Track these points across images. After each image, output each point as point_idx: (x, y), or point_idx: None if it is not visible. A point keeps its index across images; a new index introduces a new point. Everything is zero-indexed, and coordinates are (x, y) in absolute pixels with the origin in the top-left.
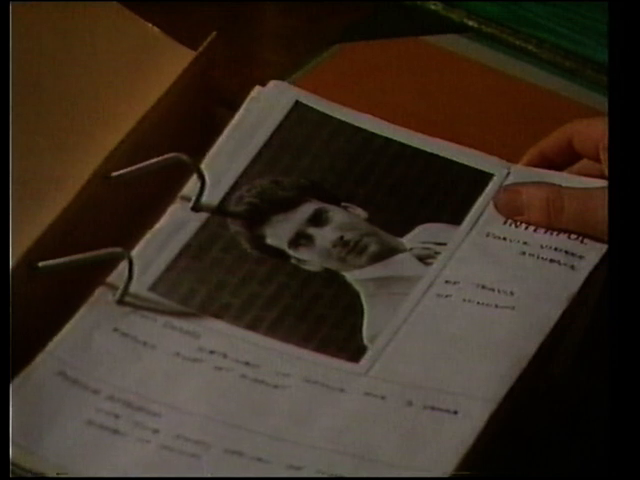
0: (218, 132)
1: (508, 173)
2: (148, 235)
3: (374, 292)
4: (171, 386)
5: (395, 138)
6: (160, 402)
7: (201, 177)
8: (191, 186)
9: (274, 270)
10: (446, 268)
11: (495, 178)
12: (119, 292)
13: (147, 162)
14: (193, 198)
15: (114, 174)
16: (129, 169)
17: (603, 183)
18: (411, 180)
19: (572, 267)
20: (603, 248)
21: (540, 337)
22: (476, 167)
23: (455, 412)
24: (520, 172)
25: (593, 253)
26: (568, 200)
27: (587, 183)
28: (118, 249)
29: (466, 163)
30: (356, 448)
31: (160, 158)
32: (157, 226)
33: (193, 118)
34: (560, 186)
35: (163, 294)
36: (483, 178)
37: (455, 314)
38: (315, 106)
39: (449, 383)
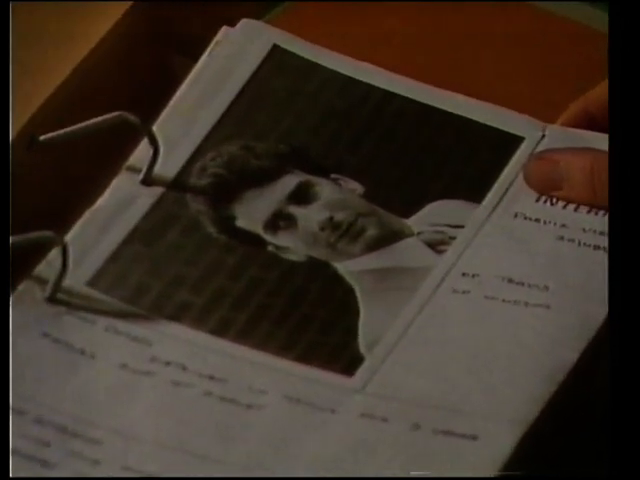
0: (175, 86)
1: (543, 136)
2: (86, 215)
3: (372, 287)
4: (116, 406)
5: (398, 91)
6: (101, 426)
7: (153, 142)
8: (140, 154)
9: (246, 260)
10: (463, 257)
11: (526, 142)
12: (49, 287)
13: (83, 123)
14: (143, 169)
15: (42, 138)
16: (60, 132)
17: None
18: (418, 145)
19: None
20: None
21: (581, 343)
22: (502, 128)
23: (474, 437)
24: (558, 134)
25: None
26: None
27: None
28: (48, 232)
29: (489, 123)
30: None
31: (100, 118)
32: (97, 204)
33: (143, 69)
34: (605, 152)
35: (105, 290)
36: (511, 142)
37: (474, 315)
38: (298, 51)
39: (466, 402)
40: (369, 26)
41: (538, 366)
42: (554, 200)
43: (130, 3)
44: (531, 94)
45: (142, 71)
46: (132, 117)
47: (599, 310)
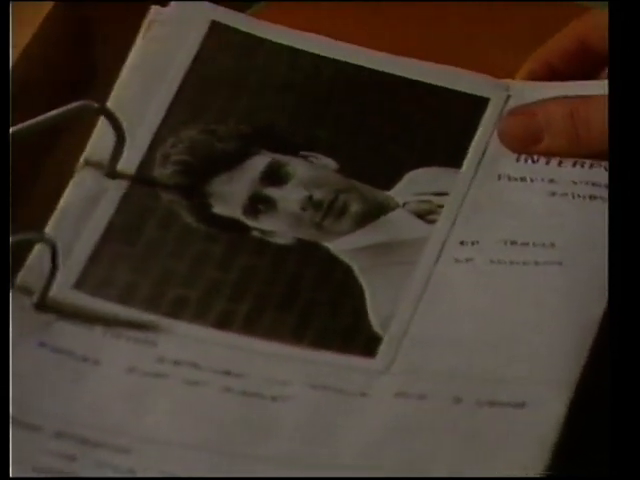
0: (112, 76)
1: (508, 96)
2: (55, 215)
3: (370, 264)
4: (133, 412)
5: (357, 62)
6: (125, 434)
7: (119, 131)
8: (97, 145)
9: (232, 248)
10: (456, 225)
11: (492, 102)
12: (37, 294)
13: (49, 113)
14: (106, 161)
15: (12, 130)
16: (29, 122)
17: None
18: (385, 115)
19: None
20: None
21: (602, 296)
22: (466, 91)
23: (521, 405)
24: (524, 90)
25: None
26: (598, 114)
27: None
28: (34, 233)
29: (452, 87)
30: (402, 464)
31: (65, 107)
32: (63, 203)
33: (70, 69)
34: (586, 97)
35: (93, 292)
36: (477, 105)
37: (484, 281)
38: (241, 26)
39: (505, 370)
40: (345, 23)
41: (567, 325)
42: (535, 157)
43: (50, 4)
44: (491, 59)
45: (70, 71)
46: (95, 104)
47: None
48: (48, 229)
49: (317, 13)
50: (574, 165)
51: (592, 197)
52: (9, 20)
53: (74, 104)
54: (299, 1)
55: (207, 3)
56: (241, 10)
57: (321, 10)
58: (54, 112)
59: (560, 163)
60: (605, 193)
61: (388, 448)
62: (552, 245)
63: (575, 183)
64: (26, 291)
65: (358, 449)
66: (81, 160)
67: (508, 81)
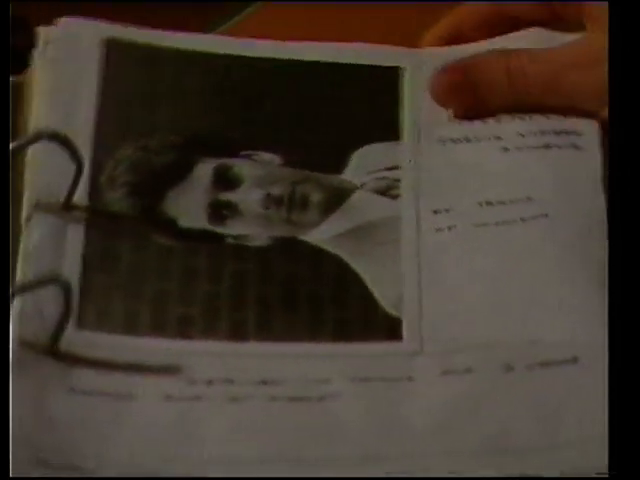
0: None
1: (422, 62)
2: (24, 258)
3: (356, 250)
4: (189, 439)
5: (271, 56)
6: (184, 460)
7: (77, 159)
8: (46, 178)
9: (213, 258)
10: (421, 195)
11: (409, 71)
12: (47, 339)
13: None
14: (57, 194)
15: None
16: None
17: (573, 37)
18: (313, 101)
19: (575, 147)
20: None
21: (601, 236)
22: (382, 64)
23: (574, 360)
24: (437, 54)
25: (589, 127)
26: (533, 65)
27: (545, 39)
28: (46, 271)
29: (369, 63)
30: (475, 442)
31: (23, 138)
32: (28, 245)
33: None
34: (519, 49)
35: (98, 328)
36: (395, 76)
37: (477, 245)
38: (138, 39)
39: (539, 330)
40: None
41: (581, 272)
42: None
43: None
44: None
45: None
46: (60, 132)
47: (596, 200)
48: (20, 275)
49: (312, 12)
50: (513, 119)
51: (547, 146)
52: (9, 20)
53: (29, 134)
54: (295, 1)
55: (98, 21)
56: (238, 10)
57: (317, 9)
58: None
59: (498, 119)
60: (557, 140)
61: (457, 428)
62: (529, 199)
63: (522, 135)
64: (31, 336)
65: (427, 435)
66: (29, 196)
67: (418, 50)
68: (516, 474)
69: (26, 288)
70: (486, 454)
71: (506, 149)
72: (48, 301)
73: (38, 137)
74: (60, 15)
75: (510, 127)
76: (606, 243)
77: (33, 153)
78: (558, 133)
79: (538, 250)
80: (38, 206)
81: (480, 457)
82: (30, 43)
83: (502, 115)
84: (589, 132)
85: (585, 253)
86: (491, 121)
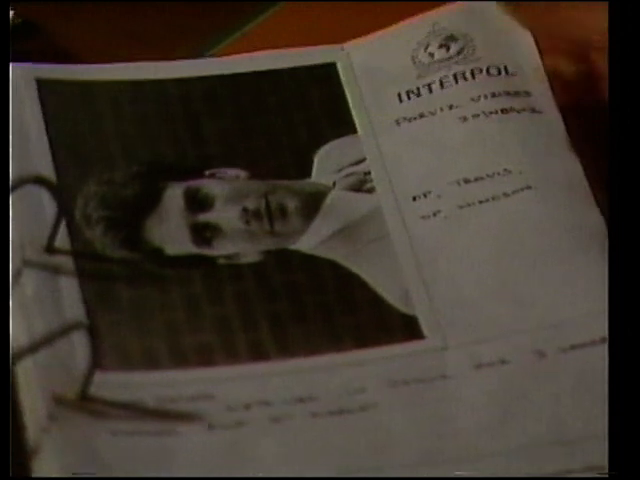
0: None
1: (348, 54)
2: (20, 310)
3: (348, 251)
4: (243, 463)
5: (204, 74)
6: None
7: (58, 200)
8: (25, 224)
9: (211, 281)
10: (396, 185)
11: (340, 64)
12: (77, 388)
13: None
14: (41, 238)
15: None
16: None
17: None
18: (258, 112)
19: (533, 110)
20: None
21: (590, 201)
22: (315, 63)
23: (604, 339)
24: (360, 44)
25: (537, 86)
26: None
27: None
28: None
29: (301, 64)
30: (532, 435)
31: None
32: (20, 300)
33: None
34: None
35: (119, 368)
36: (330, 71)
37: (468, 228)
38: (65, 77)
39: (558, 309)
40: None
41: (578, 242)
42: (415, 90)
43: None
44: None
45: None
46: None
47: (568, 165)
48: (24, 331)
49: (331, 13)
50: (457, 82)
51: (504, 110)
52: (9, 20)
53: (14, 178)
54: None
55: (27, 63)
56: (260, 12)
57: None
58: None
59: (442, 85)
60: (512, 102)
61: (508, 423)
62: (507, 172)
63: (475, 100)
64: (63, 391)
65: (479, 433)
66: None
67: (341, 45)
68: (580, 464)
69: (49, 340)
70: (547, 446)
71: (464, 118)
72: (72, 350)
73: (21, 182)
74: (72, 20)
75: (458, 92)
76: (594, 207)
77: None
78: (510, 94)
79: (530, 224)
80: (27, 262)
81: (541, 450)
82: (41, 49)
83: (443, 78)
84: (539, 92)
85: (576, 222)
86: (436, 90)
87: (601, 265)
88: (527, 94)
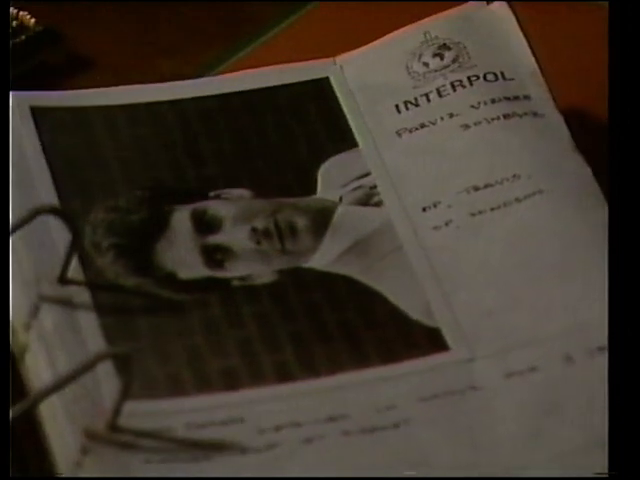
0: None
1: (341, 67)
2: (40, 345)
3: (363, 266)
4: None
5: (198, 95)
6: None
7: (74, 231)
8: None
9: (228, 304)
10: (403, 197)
11: (333, 78)
12: (108, 416)
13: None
14: (55, 267)
15: None
16: None
17: None
18: (256, 130)
19: (535, 114)
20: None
21: (599, 198)
22: (307, 79)
23: None
24: (352, 57)
25: (536, 89)
26: None
27: None
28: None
29: (293, 81)
30: (573, 441)
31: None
32: (39, 335)
33: None
34: None
35: (145, 396)
36: (323, 87)
37: (482, 236)
38: (60, 104)
39: (580, 313)
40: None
41: (593, 244)
42: (414, 100)
43: None
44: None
45: None
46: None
47: (576, 167)
48: (47, 366)
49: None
50: (455, 90)
51: (506, 116)
52: (9, 20)
53: (27, 212)
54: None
55: (20, 92)
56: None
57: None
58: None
59: (440, 94)
60: (513, 107)
61: (546, 432)
62: (516, 177)
63: (475, 107)
64: (93, 424)
65: (517, 445)
66: (26, 280)
67: (333, 58)
68: None
69: (76, 375)
70: (585, 453)
71: (466, 126)
72: (97, 382)
73: (37, 212)
74: (93, 27)
75: (457, 100)
76: (606, 207)
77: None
78: (509, 99)
79: (545, 228)
80: (43, 297)
81: (579, 458)
82: (62, 57)
83: (440, 87)
84: (538, 95)
85: (590, 222)
86: (434, 99)
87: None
88: (527, 98)
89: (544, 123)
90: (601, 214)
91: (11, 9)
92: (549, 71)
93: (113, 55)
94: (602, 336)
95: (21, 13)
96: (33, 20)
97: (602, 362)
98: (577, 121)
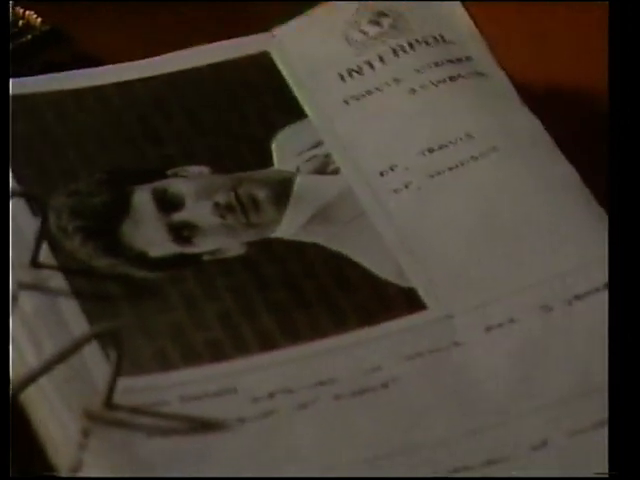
0: None
1: (280, 40)
2: (24, 328)
3: (330, 234)
4: (280, 452)
5: (136, 76)
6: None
7: (44, 214)
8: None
9: (202, 278)
10: (359, 164)
11: (273, 53)
12: (103, 395)
13: None
14: (25, 254)
15: None
16: None
17: None
18: (208, 106)
19: (479, 74)
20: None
21: (551, 153)
22: (247, 54)
23: (605, 285)
24: (293, 30)
25: (477, 50)
26: None
27: None
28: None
29: (235, 56)
30: (558, 389)
31: None
32: (21, 320)
33: None
34: None
35: (135, 372)
36: (265, 61)
37: (443, 195)
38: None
39: (553, 262)
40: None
41: (560, 191)
42: (357, 67)
43: None
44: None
45: None
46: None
47: (527, 123)
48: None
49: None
50: (397, 55)
51: (452, 78)
52: (9, 20)
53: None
54: None
55: None
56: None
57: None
58: None
59: (382, 60)
60: (457, 69)
61: (533, 380)
62: (469, 136)
63: (419, 71)
64: (88, 403)
65: (505, 396)
66: None
67: (270, 33)
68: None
69: (63, 357)
70: (578, 398)
71: (413, 90)
72: (85, 363)
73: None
74: (97, 25)
75: (400, 65)
76: (561, 158)
77: None
78: (452, 61)
79: (505, 184)
80: (20, 283)
81: (573, 404)
82: (68, 57)
83: (381, 53)
84: (479, 56)
85: (548, 174)
86: (377, 67)
87: (585, 210)
88: (469, 59)
89: (489, 82)
90: (557, 165)
91: (17, 8)
92: (549, 71)
93: (119, 54)
94: (577, 284)
95: (27, 12)
96: (39, 19)
97: (581, 310)
98: (578, 121)
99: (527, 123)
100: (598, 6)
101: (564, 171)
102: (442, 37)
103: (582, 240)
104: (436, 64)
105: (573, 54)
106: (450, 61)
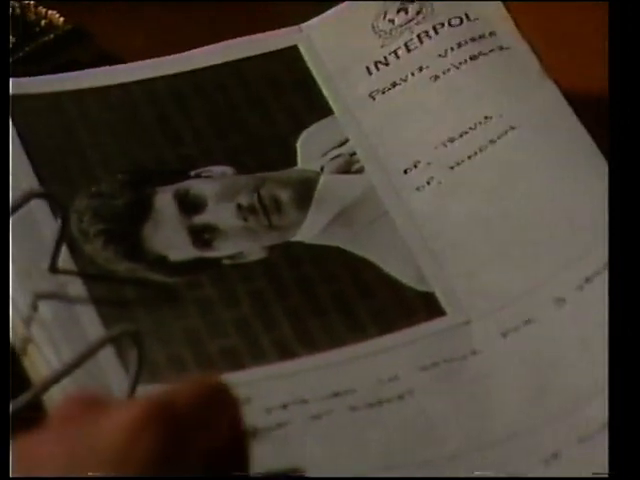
0: None
1: (308, 35)
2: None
3: (351, 235)
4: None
5: (159, 74)
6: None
7: (63, 215)
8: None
9: (221, 284)
10: (384, 161)
11: (302, 46)
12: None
13: None
14: (43, 259)
15: None
16: None
17: None
18: (231, 104)
19: (501, 47)
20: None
21: (571, 125)
22: (275, 49)
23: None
24: (321, 24)
25: (501, 23)
26: None
27: None
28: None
29: (261, 52)
30: (585, 386)
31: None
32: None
33: None
34: None
35: (149, 379)
36: (293, 54)
37: (465, 188)
38: (34, 90)
39: (564, 247)
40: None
41: (578, 168)
42: (383, 59)
43: None
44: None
45: None
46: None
47: (545, 94)
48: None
49: None
50: (421, 42)
51: (473, 57)
52: (9, 20)
53: (19, 196)
54: None
55: None
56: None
57: None
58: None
59: (408, 49)
60: (479, 47)
61: (550, 387)
62: (488, 118)
63: (442, 56)
64: None
65: (522, 402)
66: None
67: (301, 25)
68: None
69: (81, 361)
70: (589, 401)
71: (436, 77)
72: (101, 367)
73: (30, 197)
74: (120, 24)
75: (425, 52)
76: (581, 129)
77: None
78: (475, 40)
79: (522, 165)
80: (39, 290)
81: (583, 409)
82: (90, 56)
83: (407, 41)
84: (504, 30)
85: (566, 148)
86: (403, 56)
87: (601, 189)
88: (492, 34)
89: (511, 55)
90: (577, 138)
91: (40, 8)
92: (549, 71)
93: (142, 53)
94: (589, 266)
95: (50, 12)
96: (62, 19)
97: (592, 294)
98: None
99: (547, 95)
100: (599, 6)
101: (583, 144)
102: (467, 15)
103: (598, 222)
104: (459, 45)
105: (573, 54)
106: (473, 40)
